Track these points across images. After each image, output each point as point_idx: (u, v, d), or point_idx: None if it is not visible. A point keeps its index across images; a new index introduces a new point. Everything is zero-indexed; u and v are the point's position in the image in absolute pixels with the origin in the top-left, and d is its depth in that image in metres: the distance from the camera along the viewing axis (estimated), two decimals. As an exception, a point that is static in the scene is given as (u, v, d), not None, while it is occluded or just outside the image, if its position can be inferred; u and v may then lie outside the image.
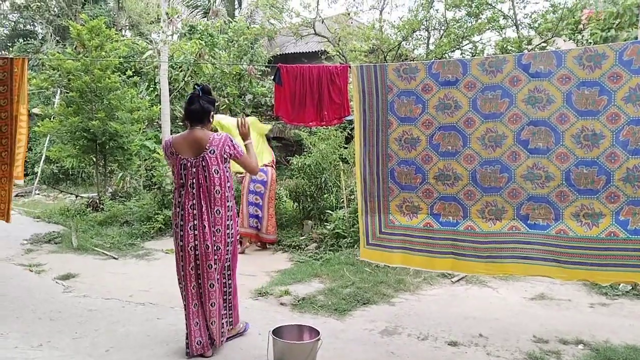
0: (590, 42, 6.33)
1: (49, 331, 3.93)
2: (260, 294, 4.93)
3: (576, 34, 8.24)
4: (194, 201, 3.41)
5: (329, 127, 7.71)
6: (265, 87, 14.15)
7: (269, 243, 7.07)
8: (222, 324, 3.60)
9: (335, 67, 4.08)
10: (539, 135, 3.39)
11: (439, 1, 11.86)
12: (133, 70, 12.30)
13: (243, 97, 13.96)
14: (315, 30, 12.51)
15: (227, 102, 13.20)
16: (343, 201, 7.16)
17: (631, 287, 4.81)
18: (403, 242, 3.78)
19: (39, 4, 20.22)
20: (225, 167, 3.49)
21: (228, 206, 3.51)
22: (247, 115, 13.53)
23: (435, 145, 3.66)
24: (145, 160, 10.97)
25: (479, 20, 11.40)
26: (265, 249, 7.04)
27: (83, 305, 4.55)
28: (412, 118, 3.71)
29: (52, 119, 10.23)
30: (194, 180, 3.40)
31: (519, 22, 11.36)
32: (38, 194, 13.37)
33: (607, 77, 3.22)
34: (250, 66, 13.37)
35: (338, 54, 11.94)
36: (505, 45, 10.35)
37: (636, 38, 5.69)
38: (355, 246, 6.21)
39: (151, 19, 17.37)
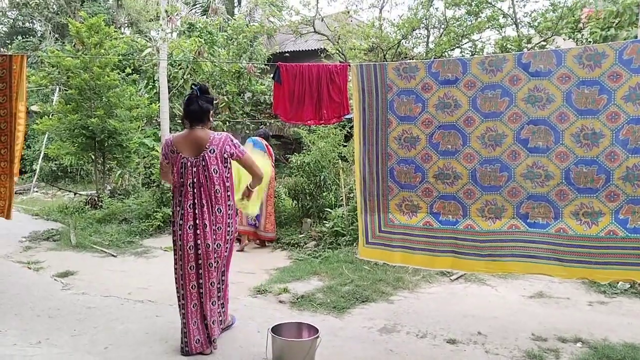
0: (590, 41, 6.33)
1: (47, 328, 3.92)
2: (259, 291, 4.93)
3: (576, 33, 8.24)
4: (194, 200, 3.41)
5: (328, 125, 7.70)
6: (264, 85, 14.14)
7: (267, 241, 7.07)
8: (220, 321, 3.63)
9: (335, 65, 4.08)
10: (538, 134, 3.40)
11: (438, -1, 11.85)
12: (132, 67, 12.28)
13: (242, 95, 13.96)
14: (314, 29, 12.50)
15: (227, 100, 13.20)
16: (342, 199, 7.17)
17: (630, 286, 4.82)
18: (403, 241, 3.78)
19: (37, 1, 20.19)
20: (226, 167, 3.48)
21: (229, 205, 3.52)
22: (247, 114, 13.56)
23: (434, 144, 3.66)
24: (144, 157, 10.97)
25: (479, 19, 11.39)
26: (264, 247, 7.04)
27: (82, 303, 4.54)
28: (412, 117, 3.71)
29: (51, 117, 10.22)
30: (194, 180, 3.40)
31: (518, 20, 11.36)
32: (36, 191, 13.36)
33: (607, 76, 3.22)
34: (250, 64, 13.36)
35: (337, 52, 11.93)
36: (504, 44, 10.35)
37: (636, 37, 5.70)
38: (354, 244, 6.21)
39: (150, 16, 17.33)
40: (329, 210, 7.20)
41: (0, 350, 3.48)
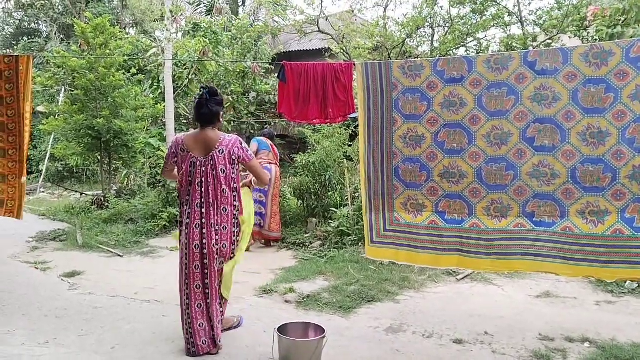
0: (596, 39, 6.29)
1: (54, 328, 3.94)
2: (265, 291, 4.93)
3: (582, 31, 8.18)
4: (201, 199, 3.44)
5: (333, 124, 7.70)
6: (269, 84, 14.15)
7: (273, 240, 7.07)
8: (221, 320, 3.65)
9: (340, 64, 4.08)
10: (544, 133, 3.38)
11: (443, -2, 11.81)
12: (137, 68, 12.32)
13: (247, 94, 13.96)
14: (319, 28, 12.47)
15: (231, 100, 13.20)
16: (347, 199, 7.17)
17: (637, 285, 4.79)
18: (408, 240, 3.77)
19: (43, 2, 20.27)
20: (233, 168, 3.52)
21: (234, 205, 3.55)
22: (251, 114, 13.58)
23: (440, 143, 3.65)
24: (150, 158, 11.00)
25: (484, 17, 11.33)
26: (269, 247, 7.04)
27: (88, 303, 4.56)
28: (417, 115, 3.70)
29: (57, 117, 10.26)
30: (202, 179, 3.44)
31: (524, 19, 11.29)
32: (43, 191, 13.42)
33: (614, 75, 3.20)
34: (254, 64, 13.36)
35: (342, 51, 11.91)
36: (510, 42, 10.29)
37: (642, 35, 5.66)
38: (360, 244, 6.21)
39: (155, 16, 17.38)
40: (335, 209, 7.20)
41: (9, 350, 3.50)
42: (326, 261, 5.92)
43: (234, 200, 3.55)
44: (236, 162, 3.53)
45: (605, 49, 3.23)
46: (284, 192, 8.21)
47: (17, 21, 22.94)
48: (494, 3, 11.23)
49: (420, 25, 11.76)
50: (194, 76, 12.76)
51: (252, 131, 13.25)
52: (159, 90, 12.59)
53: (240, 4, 20.91)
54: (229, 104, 13.11)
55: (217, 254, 3.48)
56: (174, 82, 11.04)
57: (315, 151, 7.88)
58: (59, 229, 7.97)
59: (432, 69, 3.64)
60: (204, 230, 3.44)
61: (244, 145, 3.58)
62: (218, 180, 3.44)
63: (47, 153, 13.39)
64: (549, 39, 9.75)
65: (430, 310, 4.42)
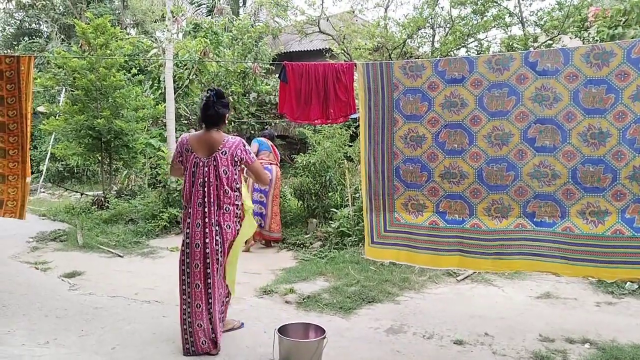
0: (597, 40, 6.28)
1: (55, 328, 3.94)
2: (265, 292, 4.93)
3: (582, 32, 8.17)
4: (203, 199, 3.48)
5: (334, 125, 7.70)
6: (269, 85, 14.15)
7: (273, 241, 7.07)
8: (222, 320, 3.67)
9: (341, 64, 4.07)
10: (545, 134, 3.38)
11: (444, -1, 11.80)
12: (138, 68, 12.32)
13: (247, 95, 13.97)
14: (319, 28, 12.48)
15: (232, 100, 13.21)
16: (348, 199, 7.16)
17: (638, 286, 4.79)
18: (408, 240, 3.77)
19: (44, 2, 20.30)
20: (235, 169, 3.58)
21: (236, 205, 3.60)
22: (252, 115, 13.58)
23: (441, 143, 3.64)
24: (150, 158, 11.00)
25: (485, 18, 11.35)
26: (269, 247, 7.04)
27: (89, 303, 4.56)
28: (418, 116, 3.70)
29: (57, 117, 10.27)
30: (205, 179, 3.49)
31: (524, 19, 11.31)
32: (43, 192, 13.43)
33: (615, 75, 3.20)
34: (255, 64, 13.37)
35: (343, 52, 11.92)
36: (511, 43, 10.29)
37: (643, 35, 5.65)
38: (360, 244, 6.20)
39: (156, 17, 17.39)
40: (335, 210, 7.20)
41: (9, 350, 3.50)
42: (326, 262, 5.91)
43: (236, 200, 3.60)
44: (238, 163, 3.60)
45: (606, 49, 3.23)
46: (284, 192, 8.21)
47: (18, 21, 22.96)
48: (495, 4, 11.24)
49: (421, 26, 11.78)
50: (194, 77, 12.76)
51: (252, 132, 13.26)
52: (160, 91, 12.60)
53: (240, 5, 20.92)
54: (230, 104, 13.12)
55: (219, 254, 3.50)
56: (174, 82, 11.05)
57: (316, 152, 7.88)
58: (59, 229, 7.97)
59: (433, 70, 3.64)
60: (206, 230, 3.47)
61: (247, 147, 3.63)
62: (220, 181, 3.49)
63: (47, 153, 13.39)
64: (550, 39, 9.76)
65: (431, 311, 4.42)
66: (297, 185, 8.02)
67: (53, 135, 12.77)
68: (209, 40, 13.11)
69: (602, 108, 3.25)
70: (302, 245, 6.81)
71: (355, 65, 3.95)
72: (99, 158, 10.37)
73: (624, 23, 5.90)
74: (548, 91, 3.35)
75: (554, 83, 3.34)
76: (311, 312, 4.40)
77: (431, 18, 11.94)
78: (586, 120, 3.28)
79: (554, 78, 3.34)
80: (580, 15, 8.65)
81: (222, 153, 3.51)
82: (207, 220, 3.47)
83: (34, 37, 20.99)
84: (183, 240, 3.56)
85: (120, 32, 10.88)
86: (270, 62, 13.61)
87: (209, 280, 3.49)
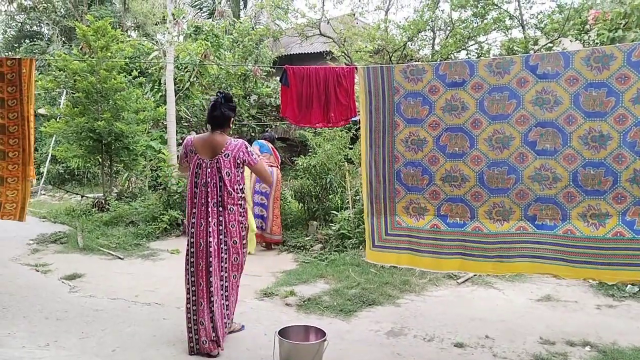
0: (597, 43, 6.29)
1: (55, 331, 3.94)
2: (265, 294, 4.93)
3: (583, 35, 8.19)
4: (207, 200, 3.57)
5: (335, 127, 7.70)
6: (270, 87, 14.17)
7: (274, 243, 7.07)
8: (225, 323, 3.67)
9: (342, 68, 4.08)
10: (546, 137, 3.38)
11: (444, 2, 11.81)
12: (138, 70, 12.34)
13: (248, 97, 13.98)
14: (320, 31, 12.50)
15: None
16: (348, 202, 7.16)
17: (638, 289, 4.79)
18: (410, 244, 3.77)
19: (45, 5, 20.32)
20: (238, 171, 3.66)
21: (240, 204, 3.68)
22: (253, 117, 13.58)
23: (442, 147, 3.65)
24: (151, 160, 11.00)
25: (485, 21, 11.36)
26: (270, 250, 7.04)
27: (89, 305, 4.57)
28: (419, 119, 3.70)
29: (58, 120, 10.27)
30: (208, 180, 3.58)
31: (525, 22, 11.32)
32: (44, 194, 13.43)
33: (615, 78, 3.20)
34: (256, 67, 13.39)
35: (343, 54, 11.94)
36: (511, 46, 10.31)
37: (644, 38, 5.66)
38: (361, 247, 6.21)
39: (157, 19, 17.42)
40: (335, 212, 7.19)
41: (9, 353, 3.49)
42: (327, 264, 5.91)
43: (240, 200, 3.68)
44: (241, 165, 3.67)
45: (606, 52, 3.23)
46: (285, 194, 8.21)
47: (20, 24, 22.98)
48: (495, 7, 11.25)
49: (422, 29, 11.78)
50: (195, 79, 12.78)
51: (253, 134, 13.26)
52: (160, 93, 12.61)
53: (241, 7, 20.95)
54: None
55: (223, 252, 3.59)
56: (175, 85, 11.07)
57: (316, 154, 7.89)
58: (59, 232, 7.97)
59: (433, 73, 3.64)
60: (209, 229, 3.55)
61: (249, 149, 3.71)
62: (223, 182, 3.57)
63: (48, 155, 13.39)
64: (550, 42, 9.77)
65: (431, 313, 4.42)
66: (297, 187, 8.03)
67: (54, 138, 12.78)
68: (209, 42, 13.13)
69: (602, 111, 3.25)
70: (302, 248, 6.81)
71: (356, 69, 3.96)
72: (100, 160, 10.38)
73: (624, 26, 5.91)
74: (549, 94, 3.36)
75: (555, 86, 3.34)
76: (311, 314, 4.40)
77: (432, 21, 11.95)
78: (587, 124, 3.29)
79: (554, 81, 3.34)
80: (580, 18, 8.67)
81: (224, 155, 3.59)
82: (209, 220, 3.56)
83: (35, 39, 21.02)
84: (188, 240, 3.65)
85: (121, 34, 10.88)
86: (271, 64, 13.63)
87: (211, 279, 3.53)
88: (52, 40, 20.46)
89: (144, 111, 10.20)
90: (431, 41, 12.73)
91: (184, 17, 13.32)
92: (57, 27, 20.70)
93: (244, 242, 3.75)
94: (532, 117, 3.41)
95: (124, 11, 20.20)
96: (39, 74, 13.14)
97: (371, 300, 4.69)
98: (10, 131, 4.63)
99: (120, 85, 9.51)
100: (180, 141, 10.69)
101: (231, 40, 14.57)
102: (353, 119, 4.18)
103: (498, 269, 3.62)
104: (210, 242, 3.54)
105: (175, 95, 10.88)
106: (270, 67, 13.59)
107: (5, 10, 21.84)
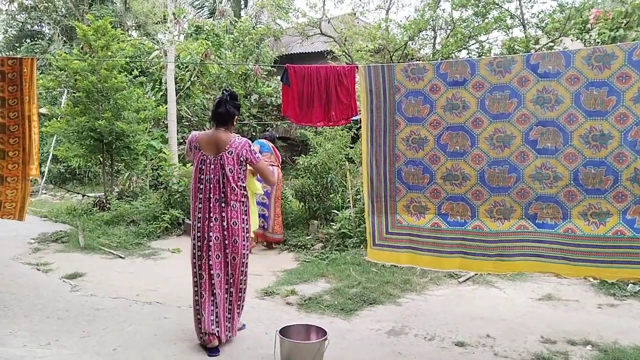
0: (598, 42, 6.29)
1: (56, 330, 3.95)
2: (266, 293, 4.94)
3: (584, 34, 8.19)
4: (210, 195, 3.64)
5: (336, 126, 7.71)
6: (270, 87, 14.17)
7: (275, 242, 7.08)
8: (228, 317, 3.69)
9: (343, 67, 4.08)
10: (547, 136, 3.38)
11: (445, 1, 11.86)
12: (139, 70, 12.34)
13: (249, 97, 13.99)
14: (321, 30, 12.50)
15: (233, 102, 13.20)
16: (349, 201, 7.16)
17: None
18: (410, 242, 3.77)
19: (46, 4, 20.32)
20: (241, 169, 3.71)
21: (243, 201, 3.74)
22: (253, 116, 13.59)
23: (443, 146, 3.65)
24: (152, 160, 11.01)
25: (486, 20, 11.35)
26: (271, 249, 7.05)
27: (90, 304, 4.57)
28: (420, 118, 3.70)
29: (59, 119, 10.28)
30: (211, 176, 3.65)
31: (526, 21, 11.31)
32: (45, 193, 13.45)
33: (616, 78, 3.20)
34: (256, 66, 13.38)
35: (344, 54, 11.93)
36: (512, 45, 10.30)
37: (645, 37, 5.65)
38: (362, 246, 6.21)
39: (158, 19, 17.42)
40: (336, 212, 7.20)
41: (11, 351, 3.50)
42: (328, 263, 5.92)
43: (243, 197, 3.73)
44: (244, 163, 3.73)
45: (607, 52, 3.23)
46: (286, 194, 8.21)
47: (20, 23, 23.00)
48: (496, 6, 11.24)
49: (423, 28, 11.78)
50: (196, 78, 12.78)
51: (254, 133, 13.27)
52: (161, 93, 12.61)
53: (242, 7, 20.94)
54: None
55: (225, 249, 3.64)
56: (176, 84, 11.07)
57: (317, 153, 7.89)
58: (60, 231, 7.98)
59: (434, 72, 3.64)
60: (211, 224, 3.62)
61: (252, 147, 3.76)
62: (226, 179, 3.63)
63: (49, 155, 13.41)
64: (551, 41, 9.76)
65: (432, 312, 4.42)
66: (298, 186, 8.03)
67: (55, 137, 12.78)
68: (210, 42, 13.14)
69: (603, 110, 3.25)
70: (303, 247, 6.82)
71: (357, 68, 3.95)
72: (101, 159, 10.39)
73: (625, 25, 5.90)
74: (549, 93, 3.36)
75: (556, 85, 3.34)
76: (312, 313, 4.40)
77: (432, 20, 11.94)
78: (588, 123, 3.29)
79: (555, 80, 3.34)
80: (581, 17, 8.67)
81: (228, 153, 3.65)
82: (211, 215, 3.63)
83: (36, 39, 21.04)
84: (194, 234, 3.71)
85: (122, 33, 10.88)
86: (272, 64, 13.62)
87: (212, 272, 3.62)
88: (53, 39, 20.47)
89: (145, 110, 10.21)
90: (432, 40, 12.73)
91: (184, 17, 13.32)
92: (58, 26, 20.70)
93: (245, 243, 3.75)
94: (533, 116, 3.41)
95: (125, 11, 20.20)
96: (40, 74, 13.14)
97: (372, 299, 4.69)
98: (11, 130, 4.63)
99: (121, 85, 9.51)
100: (181, 140, 10.71)
101: (232, 39, 14.57)
102: (354, 118, 4.18)
103: (499, 267, 3.62)
104: (211, 236, 3.61)
105: (176, 95, 10.88)
106: (271, 67, 13.58)
107: (7, 10, 21.86)
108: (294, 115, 4.10)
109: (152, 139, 11.76)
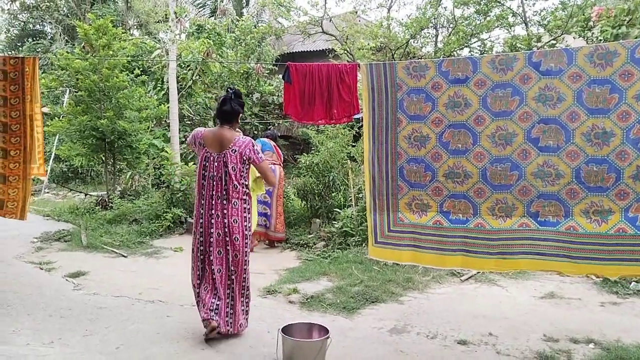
0: (601, 40, 6.26)
1: (59, 328, 3.95)
2: (269, 292, 4.94)
3: (586, 31, 8.16)
4: (212, 192, 3.70)
5: (337, 125, 7.70)
6: (272, 85, 14.16)
7: (277, 241, 7.08)
8: (230, 313, 3.72)
9: (345, 65, 4.08)
10: (549, 133, 3.38)
11: (447, -1, 11.80)
12: (141, 69, 12.34)
13: (250, 95, 13.99)
14: (322, 29, 12.50)
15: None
16: (351, 199, 7.16)
17: (642, 286, 4.78)
18: (412, 240, 3.77)
19: (48, 3, 20.34)
20: (244, 167, 3.76)
21: (244, 199, 3.78)
22: (255, 115, 13.59)
23: (445, 143, 3.64)
24: (154, 158, 11.02)
25: (488, 18, 11.34)
26: (273, 247, 7.05)
27: (93, 303, 4.58)
28: (422, 116, 3.70)
29: (61, 118, 10.29)
30: (214, 173, 3.71)
31: (528, 19, 11.30)
32: (47, 192, 13.46)
33: (619, 75, 3.19)
34: (258, 65, 13.38)
35: (345, 52, 11.93)
36: (514, 43, 10.28)
37: (647, 35, 5.63)
38: (364, 244, 6.20)
39: (159, 18, 17.43)
40: (338, 210, 7.19)
41: (14, 350, 3.51)
42: (330, 262, 5.92)
43: (244, 195, 3.77)
44: (247, 162, 3.76)
45: (610, 49, 3.22)
46: (288, 192, 8.21)
47: (22, 23, 23.01)
48: (498, 4, 11.23)
49: (424, 26, 11.77)
50: (197, 77, 12.78)
51: (255, 132, 13.27)
52: (163, 92, 12.62)
53: (244, 5, 20.94)
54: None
55: (228, 245, 3.69)
56: (177, 83, 11.07)
57: (319, 152, 7.89)
58: (63, 230, 7.99)
59: (436, 70, 3.64)
60: (212, 221, 3.70)
61: (256, 147, 3.80)
62: (229, 177, 3.68)
63: (51, 154, 13.43)
64: (554, 39, 9.74)
65: (434, 310, 4.42)
66: (300, 185, 8.03)
67: (57, 136, 12.80)
68: (212, 41, 13.13)
69: (605, 108, 3.24)
70: (305, 246, 6.82)
71: (359, 66, 3.95)
72: (103, 158, 10.39)
73: (627, 22, 5.88)
74: (552, 91, 3.35)
75: (558, 83, 3.34)
76: (314, 312, 4.40)
77: (434, 18, 11.94)
78: (590, 120, 3.28)
79: (557, 78, 3.34)
80: (583, 14, 8.63)
81: (232, 151, 3.70)
82: (213, 211, 3.70)
83: (38, 38, 21.05)
84: (196, 230, 3.79)
85: (123, 32, 10.88)
86: (273, 62, 13.62)
87: (214, 267, 3.70)
88: (55, 39, 20.48)
89: (147, 109, 10.21)
90: (434, 39, 12.73)
91: (186, 16, 13.29)
92: (60, 25, 20.71)
93: (246, 241, 3.78)
94: (535, 113, 3.40)
95: (127, 10, 20.20)
96: (42, 73, 13.16)
97: (374, 297, 4.69)
98: (13, 129, 4.64)
99: (122, 84, 9.51)
100: (183, 139, 10.71)
101: (233, 38, 14.57)
102: (356, 116, 4.17)
103: (501, 265, 3.61)
104: (212, 233, 3.69)
105: (178, 94, 10.88)
106: (273, 65, 13.58)
107: (9, 9, 21.88)
108: (295, 114, 4.10)
109: (154, 138, 11.76)
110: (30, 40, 20.63)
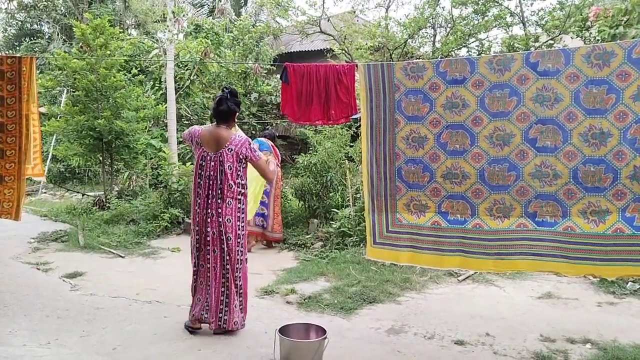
0: (598, 40, 6.27)
1: (56, 329, 3.95)
2: (266, 292, 4.93)
3: (584, 31, 8.17)
4: (209, 191, 3.75)
5: (335, 125, 7.70)
6: (270, 85, 14.16)
7: (274, 241, 7.07)
8: (224, 310, 3.76)
9: (343, 65, 4.07)
10: (547, 134, 3.38)
11: (445, -2, 11.83)
12: (138, 68, 12.32)
13: (248, 95, 13.98)
14: (320, 29, 12.49)
15: (233, 100, 13.20)
16: (349, 200, 7.16)
17: (639, 287, 4.78)
18: (410, 241, 3.77)
19: (46, 3, 20.30)
20: (240, 166, 3.79)
21: (239, 199, 3.81)
22: (253, 115, 13.59)
23: (442, 144, 3.64)
24: (151, 159, 11.00)
25: (486, 18, 11.35)
26: (271, 248, 7.04)
27: (90, 304, 4.57)
28: (420, 117, 3.70)
29: (58, 118, 10.26)
30: (211, 172, 3.74)
31: (525, 19, 11.30)
32: (44, 192, 13.43)
33: (616, 75, 3.20)
34: (256, 65, 13.37)
35: (344, 52, 11.92)
36: (512, 43, 10.28)
37: (645, 35, 5.63)
38: (361, 245, 6.21)
39: (157, 17, 17.40)
40: (336, 210, 7.19)
41: (11, 351, 3.50)
42: (327, 262, 5.91)
43: (239, 195, 3.80)
44: (243, 160, 3.80)
45: (607, 49, 3.23)
46: (285, 192, 8.20)
47: (20, 22, 22.96)
48: (496, 3, 11.23)
49: (422, 26, 11.78)
50: (195, 77, 12.77)
51: (253, 132, 13.26)
52: (161, 91, 12.61)
53: (242, 5, 20.93)
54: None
55: (222, 244, 3.73)
56: (175, 83, 11.06)
57: (317, 152, 7.88)
58: (60, 230, 7.97)
59: (434, 70, 3.63)
60: (208, 219, 3.74)
61: (252, 145, 3.85)
62: (225, 176, 3.71)
63: (48, 154, 13.40)
64: (551, 39, 9.75)
65: (432, 311, 4.42)
66: (298, 185, 8.02)
67: (54, 136, 12.77)
68: (210, 40, 13.12)
69: (603, 108, 3.25)
70: (303, 246, 6.81)
71: (357, 66, 3.95)
72: (100, 159, 10.37)
73: (625, 22, 5.88)
74: (549, 92, 3.35)
75: (555, 83, 3.34)
76: (312, 312, 4.40)
77: (432, 18, 11.94)
78: (587, 121, 3.28)
79: (555, 78, 3.34)
80: (581, 15, 8.64)
81: (228, 150, 3.73)
82: (208, 210, 3.74)
83: (35, 37, 20.99)
84: (193, 228, 3.85)
85: (120, 32, 10.86)
86: (271, 62, 13.61)
87: (209, 265, 3.75)
88: (53, 38, 20.44)
89: (144, 109, 10.20)
90: (432, 38, 12.73)
91: (184, 15, 13.30)
92: (57, 25, 20.67)
93: (240, 240, 3.81)
94: (533, 114, 3.41)
95: (124, 9, 20.16)
96: (40, 73, 13.13)
97: (372, 298, 4.69)
98: (9, 129, 4.63)
99: (120, 84, 9.50)
100: (181, 139, 10.69)
101: (231, 38, 14.55)
102: (353, 116, 4.17)
103: (498, 266, 3.62)
104: (208, 231, 3.73)
105: (176, 93, 10.88)
106: (271, 65, 13.57)
107: (6, 9, 21.84)
108: (292, 114, 4.10)
109: (151, 138, 11.75)
110: (27, 39, 20.58)
